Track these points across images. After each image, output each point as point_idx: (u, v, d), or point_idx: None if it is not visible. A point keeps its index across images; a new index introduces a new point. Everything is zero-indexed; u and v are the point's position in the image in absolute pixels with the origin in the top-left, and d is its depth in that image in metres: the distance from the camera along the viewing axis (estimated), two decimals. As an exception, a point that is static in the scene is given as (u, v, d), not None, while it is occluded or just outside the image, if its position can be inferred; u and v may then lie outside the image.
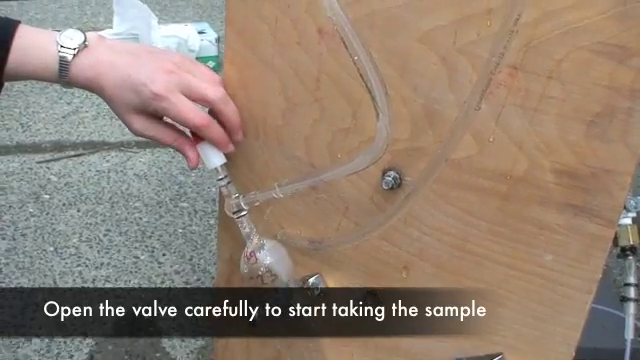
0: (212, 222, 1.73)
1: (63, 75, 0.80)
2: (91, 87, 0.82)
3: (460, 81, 0.72)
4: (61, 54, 0.79)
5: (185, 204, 1.81)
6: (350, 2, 0.72)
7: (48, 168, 1.92)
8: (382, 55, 0.74)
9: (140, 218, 1.74)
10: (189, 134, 0.85)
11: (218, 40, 2.68)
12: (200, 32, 2.74)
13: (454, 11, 0.70)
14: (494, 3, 0.67)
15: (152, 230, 1.70)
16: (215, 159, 0.85)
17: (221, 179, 0.85)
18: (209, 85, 0.81)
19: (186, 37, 2.66)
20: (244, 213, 0.85)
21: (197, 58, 2.69)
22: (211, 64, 2.74)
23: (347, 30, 0.66)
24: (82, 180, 1.88)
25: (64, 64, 0.80)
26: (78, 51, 0.80)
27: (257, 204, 0.85)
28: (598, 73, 0.66)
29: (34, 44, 0.80)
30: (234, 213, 0.85)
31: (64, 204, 1.77)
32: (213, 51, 2.75)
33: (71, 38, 0.80)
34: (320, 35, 0.78)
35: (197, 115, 0.81)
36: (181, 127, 0.84)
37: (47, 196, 1.80)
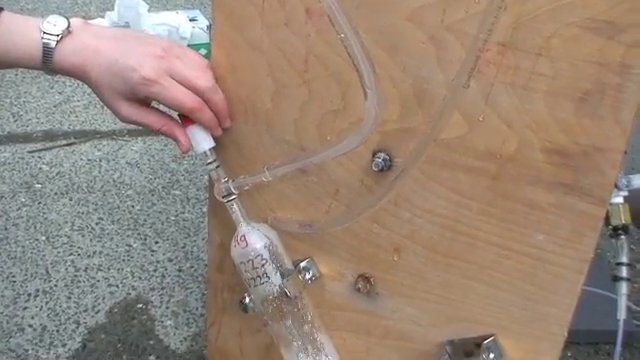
0: (204, 209, 1.71)
1: (47, 62, 0.79)
2: (76, 73, 0.81)
3: (449, 60, 0.71)
4: (44, 40, 0.78)
5: (177, 192, 1.80)
6: (337, -19, 0.71)
7: (40, 157, 1.91)
8: (370, 35, 0.73)
9: (132, 206, 1.73)
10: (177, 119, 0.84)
11: (210, 27, 2.67)
12: (192, 19, 2.72)
13: (442, -12, 0.69)
14: (482, -20, 0.67)
15: (144, 218, 1.69)
16: (204, 143, 0.84)
17: (210, 163, 0.85)
18: (199, 73, 0.81)
19: (177, 25, 2.64)
20: (234, 197, 0.84)
21: (189, 45, 2.66)
22: (203, 51, 2.72)
23: (334, 8, 0.66)
24: (74, 169, 1.86)
25: (47, 51, 0.78)
26: (62, 37, 0.79)
27: (247, 188, 0.84)
28: (587, 49, 0.65)
29: (17, 31, 0.79)
30: (224, 197, 0.84)
31: (56, 193, 1.76)
32: (205, 38, 2.73)
33: (54, 24, 0.79)
34: (308, 15, 0.77)
35: (190, 98, 0.80)
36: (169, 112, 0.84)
37: (39, 185, 1.78)
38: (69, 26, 0.80)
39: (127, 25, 2.54)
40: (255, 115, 0.85)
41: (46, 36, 0.79)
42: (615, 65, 0.64)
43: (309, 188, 0.84)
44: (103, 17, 2.65)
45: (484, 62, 0.68)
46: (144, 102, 0.82)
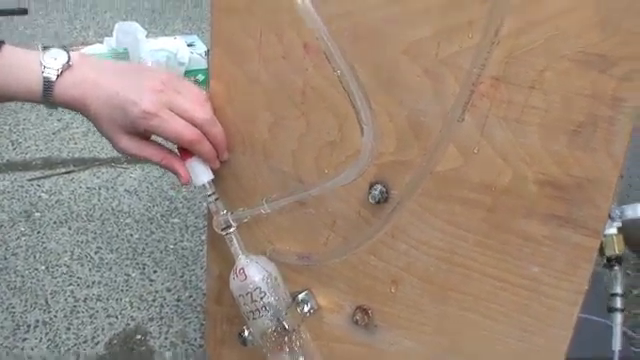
0: (203, 238, 1.72)
1: (47, 95, 0.79)
2: (76, 106, 0.82)
3: (444, 93, 0.72)
4: (45, 74, 0.79)
5: (176, 220, 1.80)
6: (333, 15, 0.72)
7: (39, 186, 1.91)
8: (367, 68, 0.74)
9: (131, 235, 1.73)
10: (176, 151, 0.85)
11: (207, 53, 2.69)
12: (189, 45, 2.74)
13: (436, 23, 0.70)
14: (475, 15, 0.68)
15: (143, 247, 1.69)
16: (203, 175, 0.85)
17: (209, 195, 0.85)
18: (198, 106, 0.81)
19: (175, 50, 2.66)
20: (232, 229, 0.85)
21: (187, 71, 2.70)
22: (200, 77, 2.75)
23: (330, 45, 0.66)
24: (73, 197, 1.87)
25: (48, 84, 0.79)
26: (62, 71, 0.79)
27: (245, 220, 0.84)
28: (580, 82, 0.66)
29: (17, 64, 0.80)
30: (222, 230, 0.85)
31: (55, 222, 1.76)
32: (202, 64, 2.75)
33: (55, 58, 0.80)
34: (305, 49, 0.78)
35: (189, 131, 0.81)
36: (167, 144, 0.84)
37: (38, 214, 1.79)
38: (69, 60, 0.80)
39: (126, 51, 2.56)
40: (253, 147, 0.86)
41: (47, 70, 0.79)
42: (607, 98, 0.65)
43: (307, 220, 0.85)
44: (102, 42, 2.66)
45: (478, 95, 0.69)
46: (143, 135, 0.83)
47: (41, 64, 0.79)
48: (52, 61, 0.79)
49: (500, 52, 0.67)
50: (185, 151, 0.84)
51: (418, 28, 0.71)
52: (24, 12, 2.92)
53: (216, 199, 0.85)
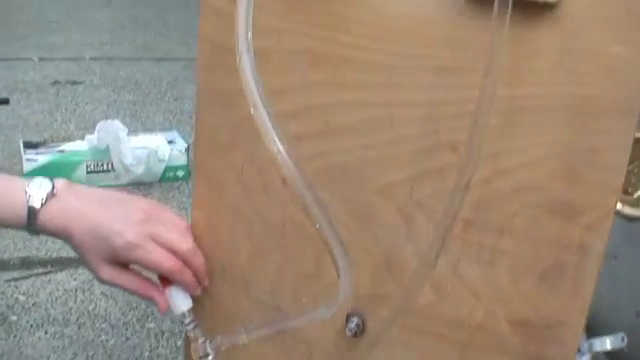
0: (179, 344, 1.71)
1: (31, 223, 0.81)
2: (60, 235, 0.83)
3: (417, 232, 0.74)
4: (29, 203, 0.81)
5: (152, 324, 1.80)
6: (311, 155, 0.75)
7: (16, 287, 1.91)
8: (343, 205, 0.77)
9: (107, 341, 1.72)
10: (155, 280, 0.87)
11: (188, 149, 2.73)
12: (169, 142, 2.78)
13: (410, 167, 0.73)
14: (446, 161, 0.71)
15: (118, 353, 1.68)
16: (182, 304, 0.86)
17: (188, 323, 0.86)
18: (180, 236, 0.84)
19: (156, 147, 2.70)
20: (210, 358, 0.85)
21: (167, 167, 2.73)
22: (180, 173, 2.78)
23: (306, 194, 0.69)
24: (50, 300, 1.86)
25: (32, 213, 0.81)
26: (46, 200, 0.81)
27: (223, 349, 0.85)
28: (547, 229, 0.69)
29: (2, 192, 0.82)
30: (200, 358, 0.86)
31: (32, 326, 1.75)
32: (182, 160, 2.79)
33: (39, 186, 0.82)
34: (284, 184, 0.80)
35: (170, 261, 0.82)
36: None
37: (15, 317, 1.78)
38: (54, 188, 0.82)
39: (107, 148, 2.59)
40: (233, 275, 0.88)
41: (31, 198, 0.81)
42: (574, 245, 0.68)
43: (284, 349, 0.86)
44: (82, 139, 2.69)
45: (451, 238, 0.72)
46: (124, 264, 0.85)
47: (26, 192, 0.81)
48: (36, 190, 0.81)
49: (471, 197, 0.69)
50: (165, 278, 0.86)
51: (392, 171, 0.74)
52: (5, 102, 2.95)
53: (195, 327, 0.86)
